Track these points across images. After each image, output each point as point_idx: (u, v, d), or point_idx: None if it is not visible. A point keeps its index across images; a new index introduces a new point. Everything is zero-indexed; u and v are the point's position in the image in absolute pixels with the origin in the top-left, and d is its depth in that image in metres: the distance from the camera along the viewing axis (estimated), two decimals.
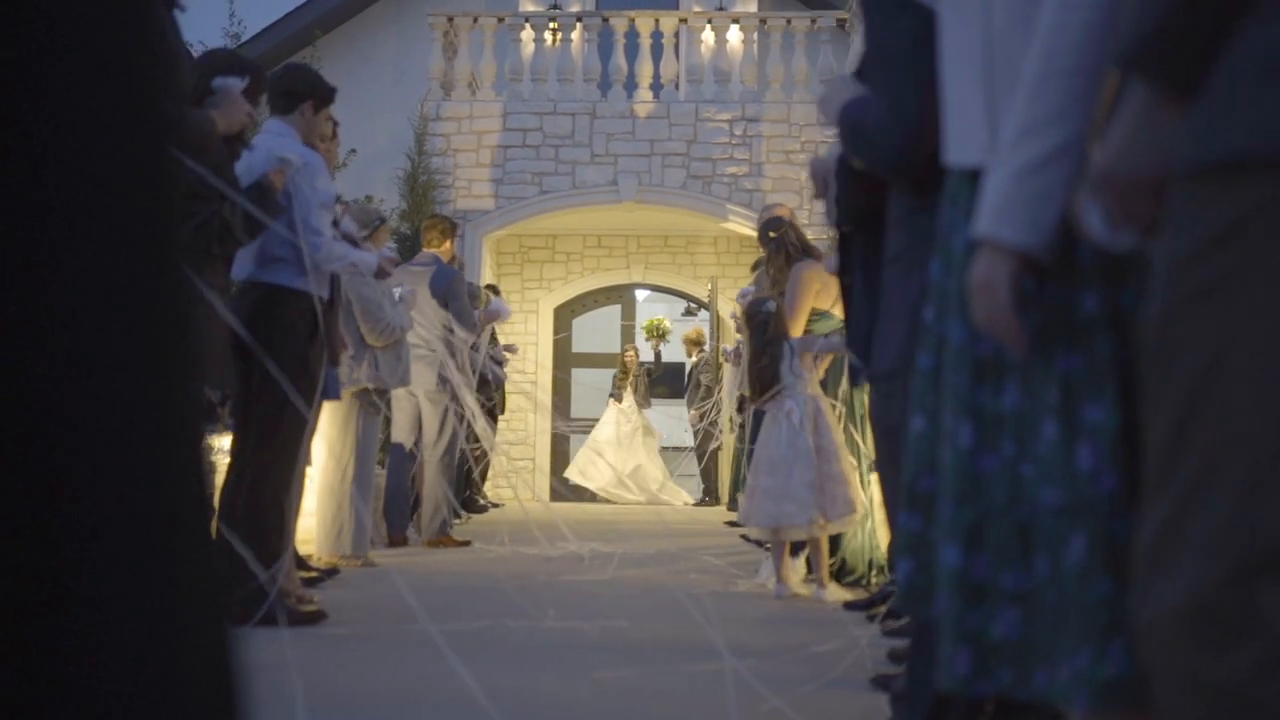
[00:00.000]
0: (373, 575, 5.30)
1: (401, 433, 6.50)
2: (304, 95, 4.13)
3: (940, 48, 1.62)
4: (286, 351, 3.69)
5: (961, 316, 1.51)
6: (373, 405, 5.72)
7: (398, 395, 6.23)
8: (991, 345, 1.47)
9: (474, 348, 6.71)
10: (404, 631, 3.70)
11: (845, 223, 2.59)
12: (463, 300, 6.51)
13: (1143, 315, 1.39)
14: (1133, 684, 1.36)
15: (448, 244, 6.63)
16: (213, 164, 3.59)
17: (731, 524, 8.01)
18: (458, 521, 6.98)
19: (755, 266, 7.65)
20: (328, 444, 5.54)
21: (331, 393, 4.54)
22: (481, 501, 7.65)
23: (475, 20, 10.76)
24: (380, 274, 4.75)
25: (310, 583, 4.70)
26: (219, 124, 3.09)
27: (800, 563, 5.14)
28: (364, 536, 5.71)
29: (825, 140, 10.91)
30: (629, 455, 11.40)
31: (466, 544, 6.52)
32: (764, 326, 4.88)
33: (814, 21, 10.95)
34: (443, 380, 6.22)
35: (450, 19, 10.74)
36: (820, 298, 4.86)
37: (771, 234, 5.19)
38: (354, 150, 9.10)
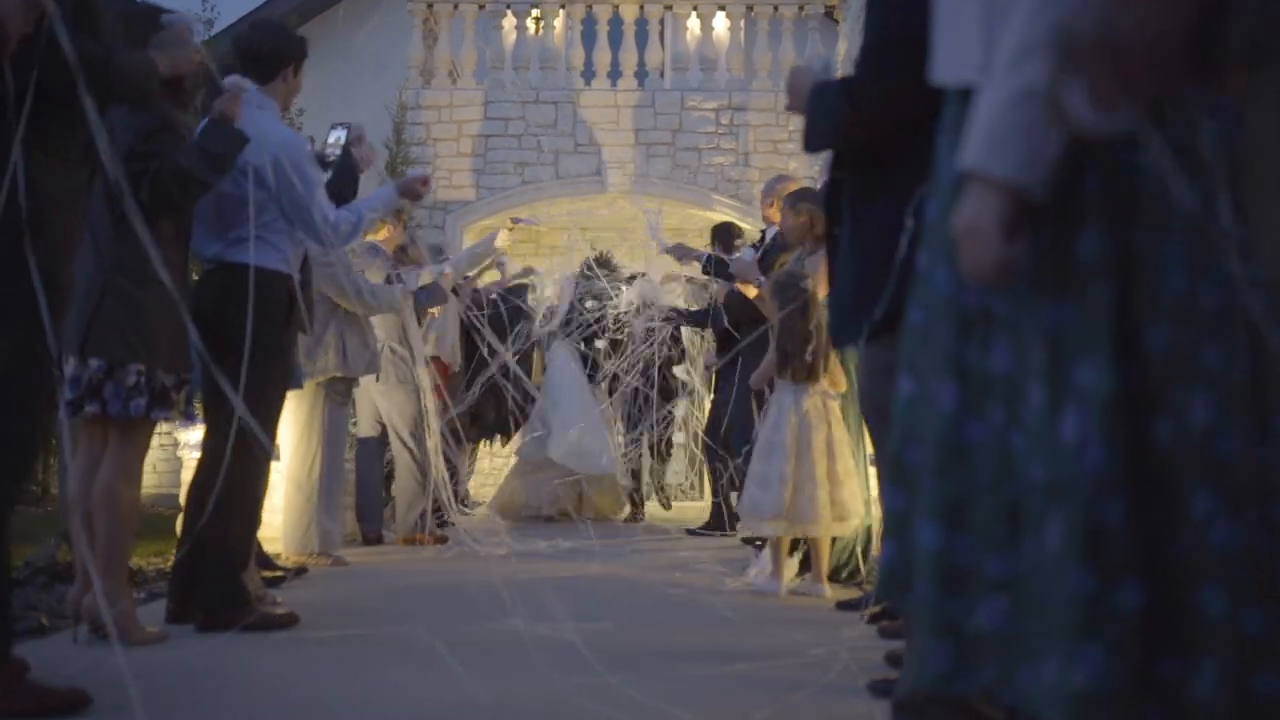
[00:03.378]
0: (343, 575, 5.07)
1: (368, 425, 6.25)
2: (285, 60, 3.80)
3: None
4: (263, 336, 3.46)
5: (949, 261, 1.29)
6: (340, 395, 5.48)
7: (364, 386, 5.97)
8: (980, 296, 1.26)
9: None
10: (374, 635, 3.50)
11: (834, 163, 2.42)
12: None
13: (1162, 257, 1.18)
14: (1108, 701, 1.15)
15: (384, 231, 6.12)
16: (157, 109, 3.38)
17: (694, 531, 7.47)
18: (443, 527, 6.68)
19: (716, 238, 7.46)
20: (294, 436, 5.32)
21: (294, 381, 4.32)
22: (448, 517, 6.69)
23: (456, 7, 10.53)
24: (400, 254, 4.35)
25: (274, 583, 4.47)
26: (161, 65, 2.82)
27: (795, 561, 4.94)
28: (333, 533, 5.48)
29: None
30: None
31: (444, 540, 6.28)
32: (800, 303, 4.51)
33: (802, 9, 10.75)
34: (402, 362, 6.00)
35: (430, 5, 10.51)
36: None
37: (803, 207, 4.84)
38: None
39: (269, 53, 3.78)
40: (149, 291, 3.20)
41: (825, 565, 4.58)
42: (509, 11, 10.65)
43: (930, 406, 1.31)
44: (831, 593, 4.53)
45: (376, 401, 6.11)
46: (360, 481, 6.18)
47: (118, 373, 3.27)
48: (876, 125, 2.16)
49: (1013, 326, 1.24)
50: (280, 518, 5.39)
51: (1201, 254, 1.17)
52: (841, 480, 4.52)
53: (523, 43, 10.72)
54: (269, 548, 4.95)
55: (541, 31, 10.73)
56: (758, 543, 5.26)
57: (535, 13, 10.80)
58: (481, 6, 10.57)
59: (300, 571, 4.95)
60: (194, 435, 5.41)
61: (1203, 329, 1.17)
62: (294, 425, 5.28)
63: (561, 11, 10.69)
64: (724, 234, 7.61)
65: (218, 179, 3.42)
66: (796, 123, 9.63)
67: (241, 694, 2.80)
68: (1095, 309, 1.19)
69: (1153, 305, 1.17)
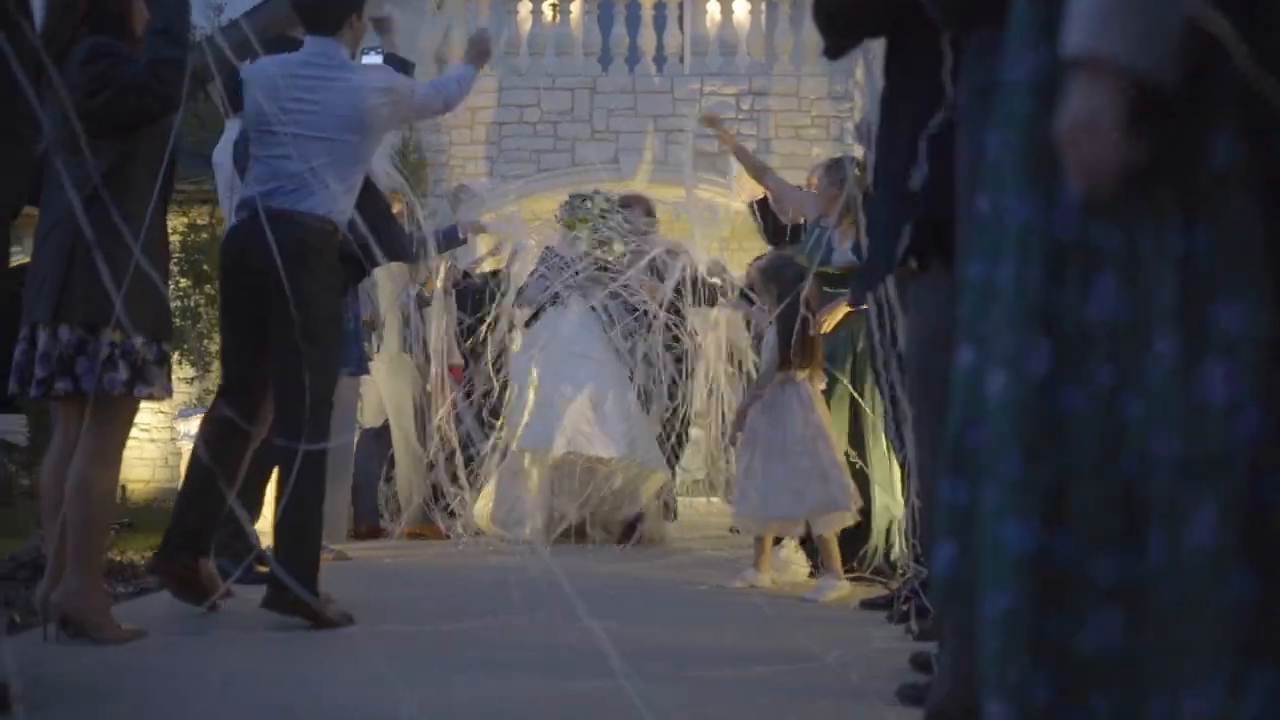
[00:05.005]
0: (345, 570, 4.85)
1: (372, 414, 6.00)
2: (348, 7, 3.66)
3: None
4: (324, 304, 3.37)
5: (1029, 188, 1.03)
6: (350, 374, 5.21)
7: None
8: (1075, 223, 0.99)
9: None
10: (368, 633, 3.28)
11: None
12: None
13: None
14: None
15: (397, 205, 5.77)
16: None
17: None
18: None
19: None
20: None
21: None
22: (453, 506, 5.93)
23: None
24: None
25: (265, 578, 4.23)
26: None
27: (797, 553, 4.71)
28: (337, 526, 5.26)
29: (836, 115, 10.47)
30: None
31: (448, 536, 6.04)
32: (794, 285, 4.27)
33: None
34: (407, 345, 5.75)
35: None
36: None
37: (837, 175, 4.53)
38: None
39: (332, 3, 3.64)
40: (122, 251, 2.96)
41: (836, 558, 4.32)
42: None
43: (1013, 370, 1.04)
44: (850, 588, 4.27)
45: (379, 385, 5.85)
46: (358, 471, 5.93)
47: (90, 345, 3.04)
48: None
49: (1126, 260, 0.98)
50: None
51: None
52: (832, 470, 4.27)
53: (539, 28, 10.50)
54: (266, 541, 4.73)
55: (558, 17, 10.50)
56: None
57: None
58: None
59: None
60: (193, 426, 5.19)
61: None
62: None
63: None
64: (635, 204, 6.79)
65: (181, 51, 3.16)
66: (819, 108, 9.43)
67: (208, 697, 2.58)
68: (1237, 231, 0.93)
69: None
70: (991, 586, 1.04)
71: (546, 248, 6.64)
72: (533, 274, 6.52)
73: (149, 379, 3.14)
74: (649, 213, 6.74)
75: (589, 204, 6.67)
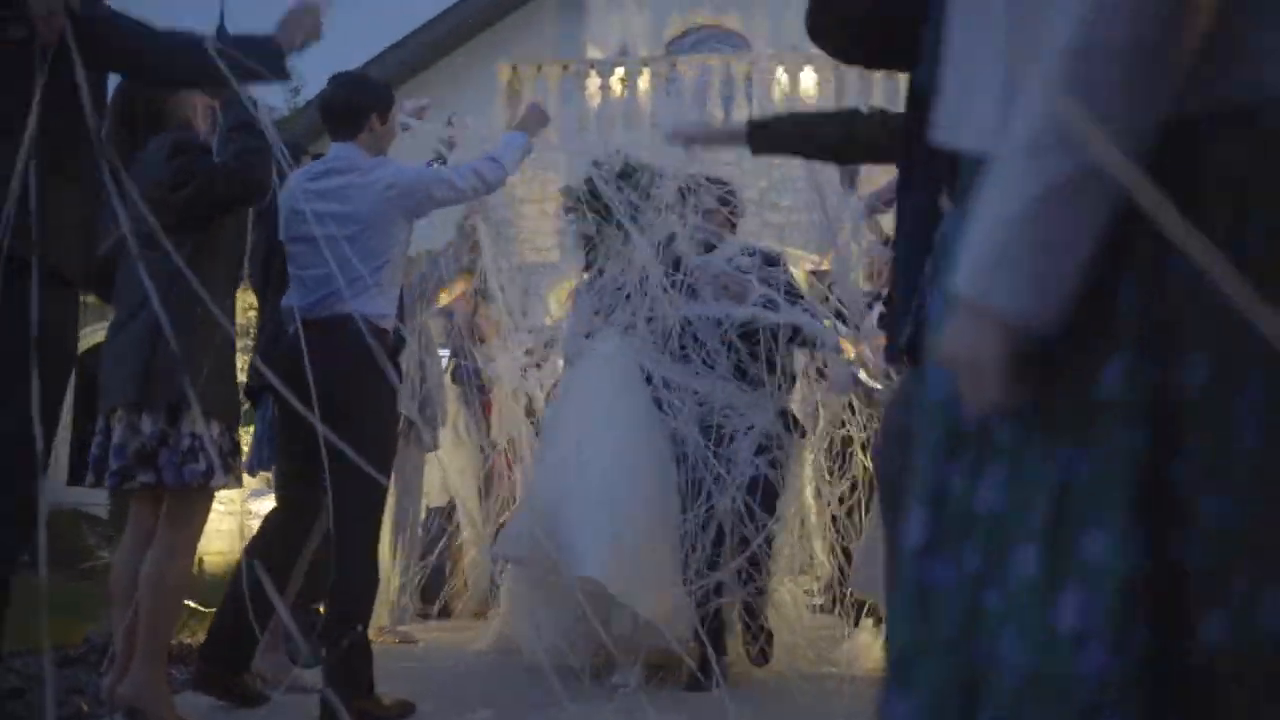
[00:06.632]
0: (412, 655, 4.81)
1: (436, 493, 5.94)
2: (367, 108, 3.60)
3: None
4: (384, 401, 3.30)
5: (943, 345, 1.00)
6: (413, 439, 5.05)
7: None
8: (979, 413, 0.96)
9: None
10: None
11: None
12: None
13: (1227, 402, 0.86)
14: None
15: (460, 286, 5.35)
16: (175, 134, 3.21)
17: None
18: None
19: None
20: None
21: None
22: None
23: (539, 68, 10.50)
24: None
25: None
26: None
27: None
28: (405, 605, 5.24)
29: None
30: None
31: None
32: None
33: None
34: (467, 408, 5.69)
35: (514, 67, 10.51)
36: None
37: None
38: None
39: (345, 106, 3.61)
40: (198, 340, 3.03)
41: None
42: (593, 72, 10.58)
43: (901, 533, 1.01)
44: None
45: (444, 463, 5.82)
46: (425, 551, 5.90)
47: (171, 437, 3.08)
48: None
49: (1014, 459, 0.94)
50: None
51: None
52: None
53: (607, 103, 10.64)
54: None
55: (625, 93, 10.63)
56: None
57: (619, 73, 10.71)
58: (565, 68, 10.52)
59: None
60: (266, 505, 5.22)
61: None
62: None
63: (646, 70, 10.58)
64: None
65: (263, 140, 3.12)
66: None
67: None
68: (1117, 462, 0.88)
69: (1213, 465, 0.87)
70: None
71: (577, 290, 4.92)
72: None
73: (225, 468, 3.18)
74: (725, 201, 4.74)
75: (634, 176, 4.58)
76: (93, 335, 8.21)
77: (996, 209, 0.90)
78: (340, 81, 3.73)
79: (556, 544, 3.68)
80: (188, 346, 3.00)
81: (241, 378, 3.93)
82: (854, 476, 4.52)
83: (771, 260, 4.42)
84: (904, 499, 1.06)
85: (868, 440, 4.39)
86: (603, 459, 3.88)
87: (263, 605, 3.19)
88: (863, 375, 4.23)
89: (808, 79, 10.60)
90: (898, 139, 2.05)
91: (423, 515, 5.62)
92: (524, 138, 3.89)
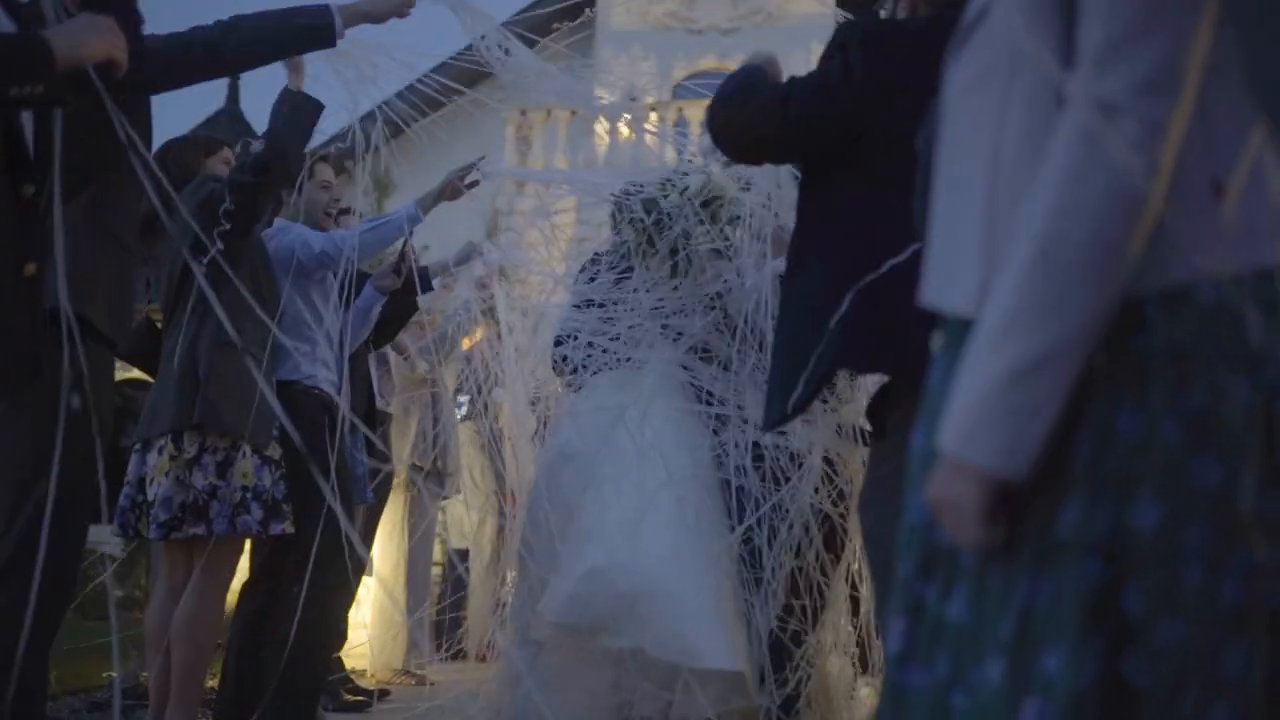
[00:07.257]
0: (429, 697, 4.87)
1: (456, 535, 6.04)
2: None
3: (938, 150, 1.21)
4: (322, 456, 3.33)
5: (917, 489, 1.15)
6: (428, 486, 5.16)
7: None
8: (951, 539, 1.11)
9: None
10: None
11: None
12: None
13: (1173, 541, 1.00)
14: None
15: (480, 333, 5.62)
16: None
17: None
18: None
19: None
20: (382, 532, 5.13)
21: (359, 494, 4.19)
22: None
23: (549, 113, 10.67)
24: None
25: (358, 708, 4.30)
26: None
27: None
28: (422, 646, 5.31)
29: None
30: None
31: None
32: None
33: None
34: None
35: (523, 112, 10.68)
36: None
37: None
38: (427, 247, 8.93)
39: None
40: (236, 366, 3.13)
41: None
42: (601, 116, 10.75)
43: (884, 639, 1.15)
44: None
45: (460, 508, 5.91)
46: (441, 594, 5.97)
47: (221, 490, 3.16)
48: (789, 137, 2.08)
49: (979, 583, 1.09)
50: (363, 630, 5.24)
51: (1221, 540, 1.01)
52: None
53: (615, 147, 10.80)
54: (351, 663, 4.80)
55: (634, 136, 10.81)
56: None
57: (628, 116, 10.89)
58: (574, 113, 10.70)
59: (383, 694, 4.77)
60: None
61: (1223, 629, 1.01)
62: (382, 521, 5.12)
63: (654, 115, 10.76)
64: None
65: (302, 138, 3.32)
66: None
67: None
68: (1073, 591, 1.02)
69: (1164, 597, 1.01)
70: None
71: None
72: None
73: (281, 515, 3.26)
74: None
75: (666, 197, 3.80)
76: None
77: (976, 380, 1.06)
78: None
79: (634, 618, 3.05)
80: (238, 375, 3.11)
81: None
82: None
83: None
84: (893, 562, 1.19)
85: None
86: (666, 521, 3.21)
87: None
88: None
89: None
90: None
91: (438, 557, 5.70)
92: (413, 210, 3.92)
